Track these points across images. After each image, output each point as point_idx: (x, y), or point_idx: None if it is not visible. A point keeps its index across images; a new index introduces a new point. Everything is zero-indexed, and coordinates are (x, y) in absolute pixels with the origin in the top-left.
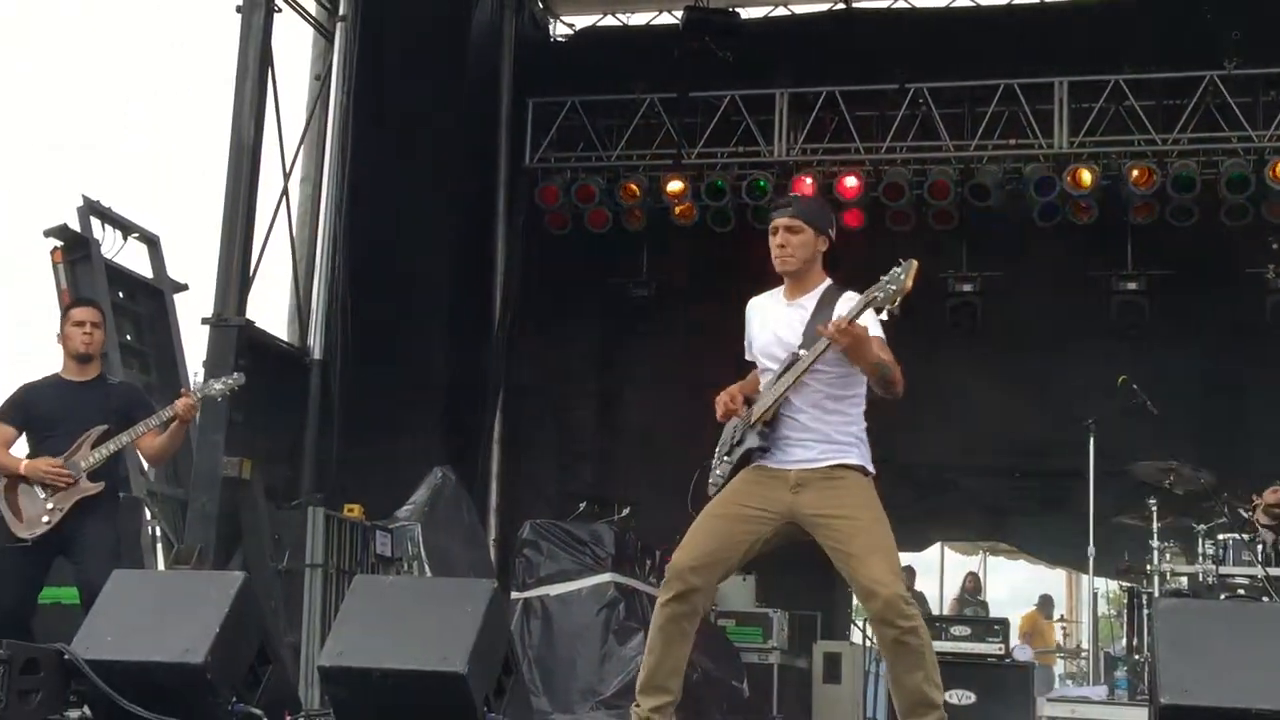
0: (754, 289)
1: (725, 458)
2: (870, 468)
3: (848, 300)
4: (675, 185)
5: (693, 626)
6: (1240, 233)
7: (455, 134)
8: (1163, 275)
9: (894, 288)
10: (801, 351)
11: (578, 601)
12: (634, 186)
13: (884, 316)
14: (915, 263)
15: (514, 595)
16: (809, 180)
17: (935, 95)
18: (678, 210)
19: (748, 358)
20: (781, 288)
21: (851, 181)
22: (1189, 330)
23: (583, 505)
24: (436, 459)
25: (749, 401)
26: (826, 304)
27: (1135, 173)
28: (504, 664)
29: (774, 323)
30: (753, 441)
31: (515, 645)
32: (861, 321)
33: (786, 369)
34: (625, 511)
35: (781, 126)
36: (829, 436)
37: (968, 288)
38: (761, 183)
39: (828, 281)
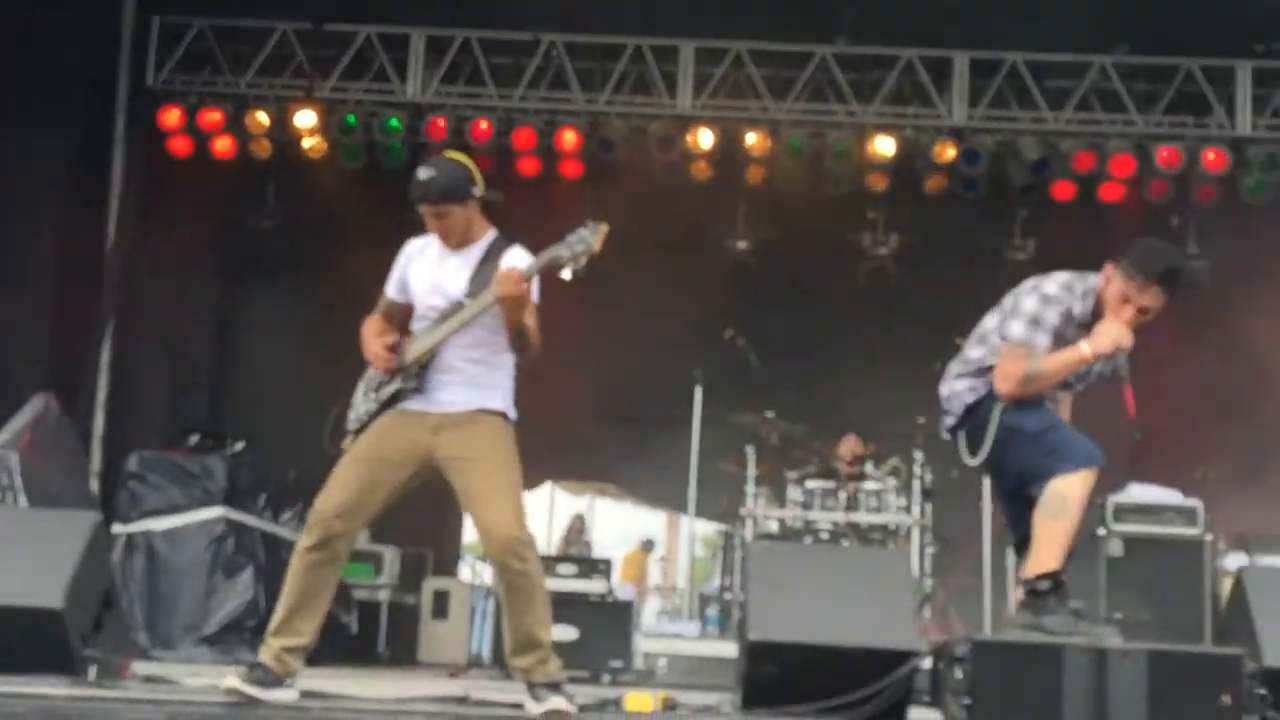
0: (381, 226)
1: (373, 394)
2: (512, 413)
3: (518, 255)
4: (305, 117)
5: (335, 573)
6: (843, 200)
7: (68, 49)
8: (772, 238)
9: (581, 249)
10: (467, 300)
11: (185, 536)
12: (262, 116)
13: (566, 275)
14: (605, 226)
15: (117, 529)
16: (441, 123)
17: (569, 48)
18: (307, 144)
19: (391, 294)
20: None
21: (483, 126)
22: (792, 290)
23: (195, 438)
24: (40, 385)
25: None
26: (494, 256)
27: (751, 137)
28: (103, 599)
29: (435, 270)
30: (404, 384)
31: (117, 580)
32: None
33: (447, 316)
34: (239, 446)
35: (417, 67)
36: (476, 382)
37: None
38: (393, 121)
39: (493, 232)
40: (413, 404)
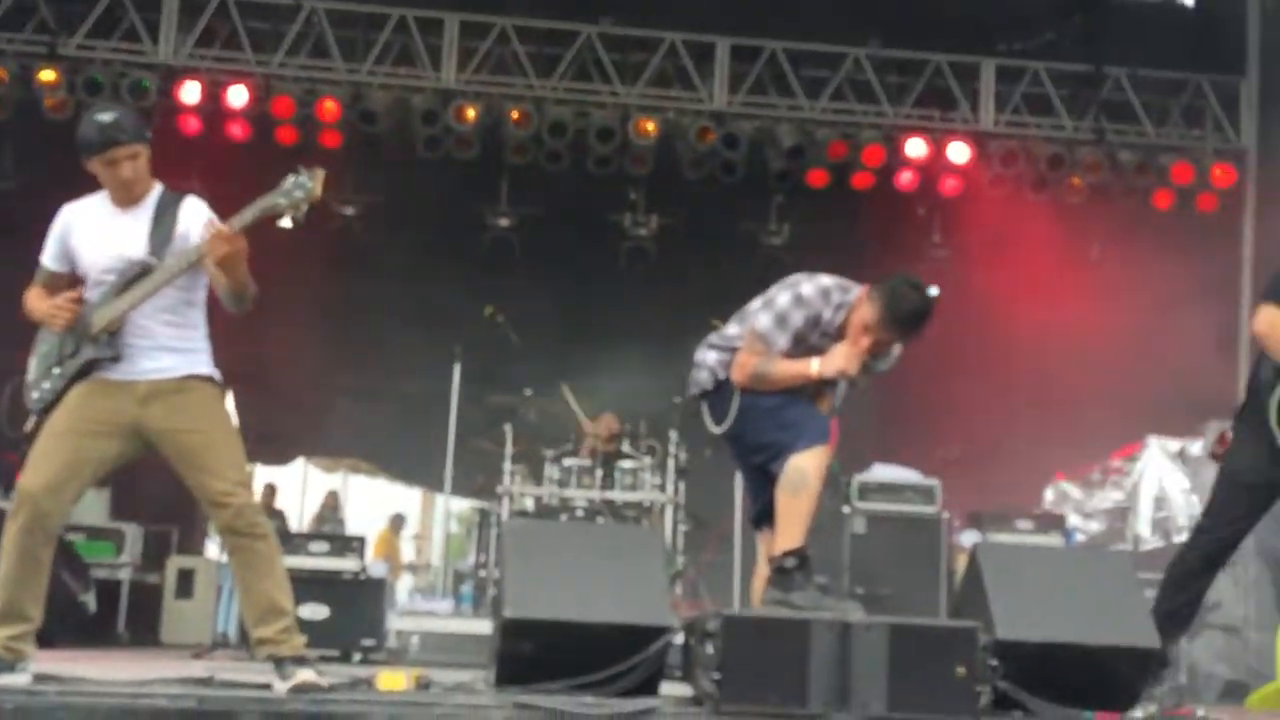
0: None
1: (55, 370)
2: (218, 375)
3: (198, 208)
4: (48, 75)
5: (48, 552)
6: (605, 181)
7: None
8: (534, 214)
9: (300, 195)
10: (153, 260)
11: None
12: (1, 72)
13: (286, 223)
14: (323, 171)
15: None
16: (197, 85)
17: (331, 15)
18: (50, 102)
19: (50, 265)
20: (102, 195)
21: (240, 92)
22: (553, 269)
23: None
24: None
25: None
26: (167, 210)
27: (515, 114)
28: None
29: (105, 231)
30: (96, 352)
31: None
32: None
33: (136, 278)
34: None
35: (169, 27)
36: (178, 346)
37: (350, 211)
38: (144, 82)
39: (159, 186)
40: (112, 374)
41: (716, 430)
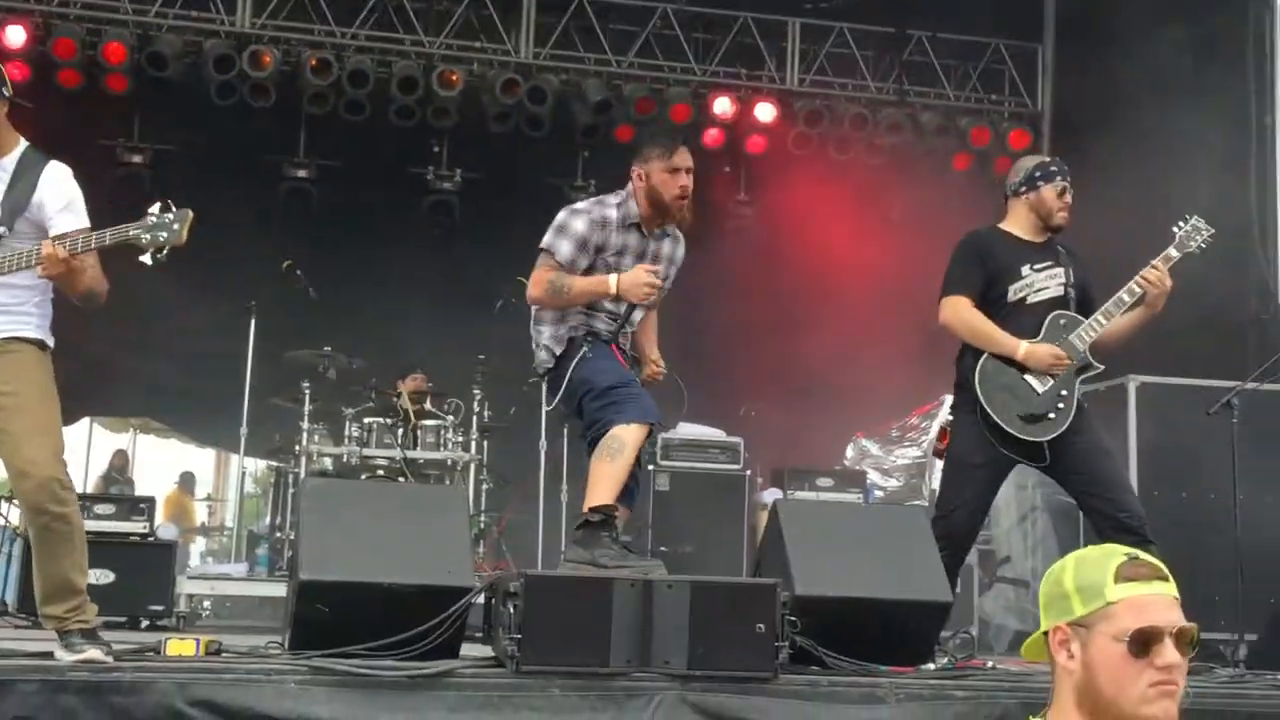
0: None
1: None
2: (50, 340)
3: (59, 173)
4: None
5: None
6: (408, 133)
7: None
8: (333, 165)
9: (164, 237)
10: (2, 230)
11: None
12: None
13: (146, 260)
14: (191, 215)
15: None
16: None
17: None
18: None
19: None
20: None
21: (17, 32)
22: (353, 222)
23: None
24: None
25: None
26: (28, 170)
27: (313, 61)
28: None
29: None
30: None
31: None
32: (74, 220)
33: None
34: None
35: None
36: (7, 308)
37: (138, 159)
38: None
39: (23, 142)
40: None
41: (564, 410)
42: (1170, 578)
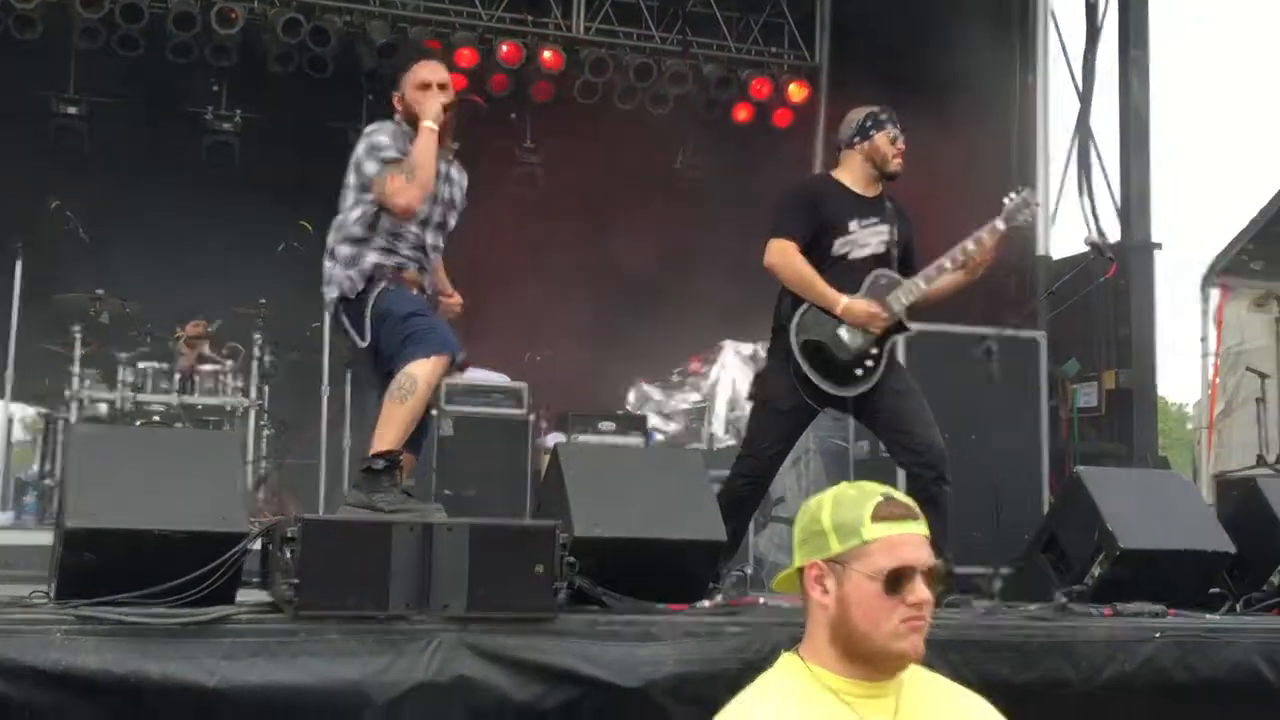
0: None
1: None
2: None
3: None
4: None
5: None
6: (185, 71)
7: None
8: (105, 103)
9: None
10: None
11: None
12: None
13: None
14: None
15: None
16: None
17: None
18: None
19: None
20: None
21: None
22: (129, 160)
23: None
24: None
25: None
26: None
27: None
28: None
29: None
30: None
31: None
32: None
33: None
34: None
35: None
36: None
37: None
38: None
39: None
40: None
41: (362, 344)
42: (921, 516)
